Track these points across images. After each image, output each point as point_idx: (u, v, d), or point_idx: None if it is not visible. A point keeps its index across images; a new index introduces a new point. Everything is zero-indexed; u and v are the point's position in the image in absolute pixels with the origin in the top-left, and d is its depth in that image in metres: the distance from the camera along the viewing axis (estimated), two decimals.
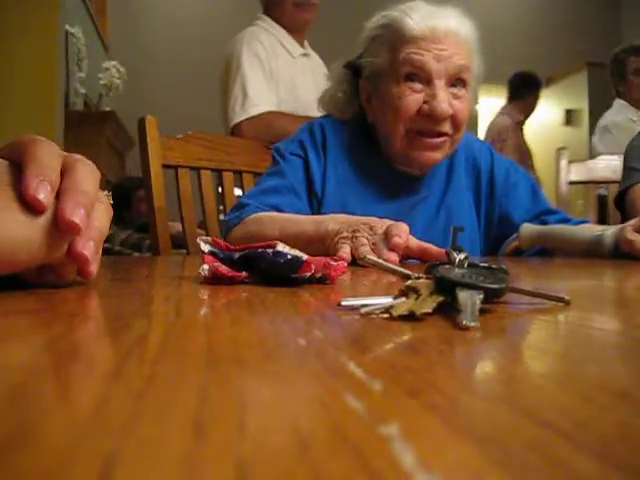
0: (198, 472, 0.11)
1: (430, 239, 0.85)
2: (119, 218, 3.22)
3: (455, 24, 0.99)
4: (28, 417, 0.14)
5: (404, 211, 1.06)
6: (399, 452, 0.12)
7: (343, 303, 0.33)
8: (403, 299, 0.32)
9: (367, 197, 1.08)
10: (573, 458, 0.12)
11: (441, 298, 0.31)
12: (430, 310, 0.29)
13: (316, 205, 1.08)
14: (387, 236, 0.76)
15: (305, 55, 1.92)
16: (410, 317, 0.29)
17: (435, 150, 1.03)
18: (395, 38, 1.00)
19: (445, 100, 0.97)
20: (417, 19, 0.98)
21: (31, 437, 0.12)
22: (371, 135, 1.11)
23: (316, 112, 1.55)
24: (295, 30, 1.89)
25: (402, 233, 0.75)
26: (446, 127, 1.00)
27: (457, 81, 1.00)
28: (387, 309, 0.31)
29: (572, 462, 0.12)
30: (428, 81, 0.99)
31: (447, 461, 0.12)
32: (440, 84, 0.98)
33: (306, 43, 1.96)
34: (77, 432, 0.13)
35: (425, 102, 0.98)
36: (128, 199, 3.16)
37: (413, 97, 0.99)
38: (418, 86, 0.99)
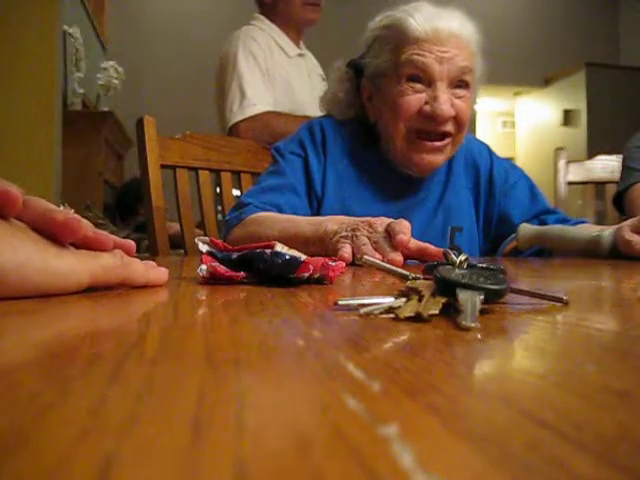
0: (197, 472, 0.11)
1: (428, 238, 0.84)
2: (122, 220, 3.22)
3: (458, 26, 0.99)
4: (27, 417, 0.14)
5: (403, 210, 1.06)
6: (398, 452, 0.12)
7: (340, 302, 0.33)
8: (404, 300, 0.32)
9: (366, 196, 1.08)
10: (572, 458, 0.12)
11: (444, 299, 0.31)
12: (437, 311, 0.29)
13: (316, 204, 1.08)
14: (390, 234, 0.76)
15: (301, 55, 1.92)
16: (416, 318, 0.29)
17: (436, 153, 1.02)
18: (398, 39, 1.00)
19: (447, 102, 0.97)
20: (420, 20, 0.98)
21: (30, 437, 0.12)
22: (371, 135, 1.11)
23: (312, 112, 1.55)
24: (296, 29, 1.89)
25: (405, 229, 0.75)
26: (449, 127, 1.00)
27: (459, 82, 1.00)
28: (389, 310, 0.31)
29: (571, 462, 0.12)
30: (430, 83, 0.99)
31: (446, 462, 0.12)
32: (442, 86, 0.98)
33: (302, 43, 1.95)
34: (76, 432, 0.13)
35: (427, 103, 0.99)
36: (134, 205, 3.15)
37: (415, 97, 0.99)
38: (420, 87, 0.99)
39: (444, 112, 0.97)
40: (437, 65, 0.97)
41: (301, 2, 1.84)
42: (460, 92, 1.00)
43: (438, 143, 1.01)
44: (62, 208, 0.40)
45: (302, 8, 1.85)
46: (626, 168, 1.39)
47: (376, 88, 1.06)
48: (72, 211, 0.41)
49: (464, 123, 1.01)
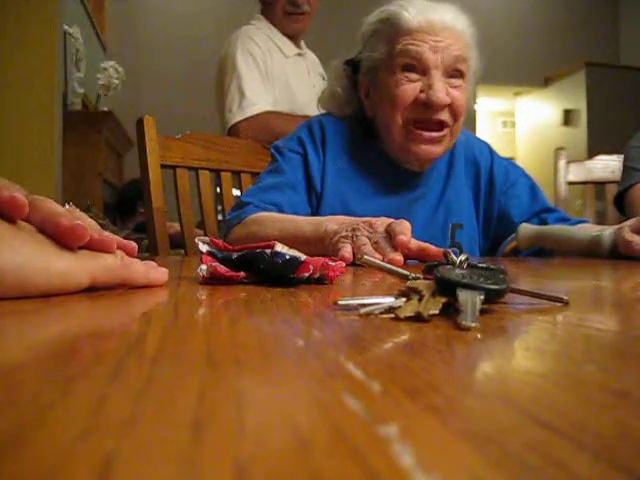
0: (197, 472, 0.11)
1: (429, 235, 0.84)
2: (122, 220, 3.23)
3: (451, 18, 1.01)
4: (27, 417, 0.14)
5: (403, 207, 1.06)
6: (398, 452, 0.12)
7: (340, 302, 0.33)
8: (404, 300, 0.32)
9: (366, 193, 1.08)
10: (572, 458, 0.12)
11: (445, 299, 0.31)
12: (437, 311, 0.29)
13: (315, 201, 1.08)
14: (391, 234, 0.76)
15: (300, 55, 1.92)
16: (416, 318, 0.29)
17: (434, 144, 1.03)
18: (392, 31, 1.01)
19: (442, 90, 0.98)
20: (414, 12, 1.00)
21: (31, 437, 0.12)
22: (370, 131, 1.11)
23: (312, 112, 1.55)
24: (287, 35, 1.89)
25: (406, 230, 0.75)
26: (445, 116, 1.00)
27: (454, 72, 1.01)
28: (389, 309, 0.31)
29: (571, 462, 0.12)
30: (425, 72, 0.99)
31: (446, 461, 0.12)
32: (437, 74, 0.99)
33: (302, 43, 1.95)
34: (76, 432, 0.13)
35: (422, 92, 0.99)
36: (133, 205, 3.16)
37: (410, 86, 1.00)
38: (415, 76, 1.00)
39: (439, 99, 0.97)
40: (431, 54, 0.98)
41: (282, 12, 1.83)
42: (455, 81, 1.01)
43: (435, 134, 1.01)
44: (67, 207, 0.40)
45: (284, 18, 1.84)
46: (627, 168, 1.39)
47: (372, 83, 1.07)
48: (77, 210, 0.41)
49: (460, 112, 1.02)
